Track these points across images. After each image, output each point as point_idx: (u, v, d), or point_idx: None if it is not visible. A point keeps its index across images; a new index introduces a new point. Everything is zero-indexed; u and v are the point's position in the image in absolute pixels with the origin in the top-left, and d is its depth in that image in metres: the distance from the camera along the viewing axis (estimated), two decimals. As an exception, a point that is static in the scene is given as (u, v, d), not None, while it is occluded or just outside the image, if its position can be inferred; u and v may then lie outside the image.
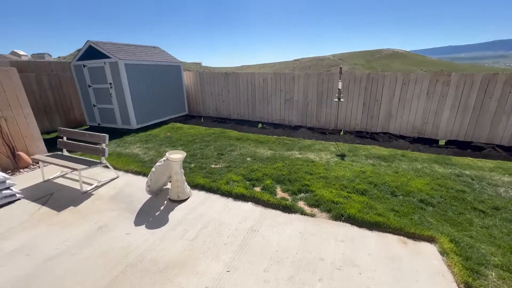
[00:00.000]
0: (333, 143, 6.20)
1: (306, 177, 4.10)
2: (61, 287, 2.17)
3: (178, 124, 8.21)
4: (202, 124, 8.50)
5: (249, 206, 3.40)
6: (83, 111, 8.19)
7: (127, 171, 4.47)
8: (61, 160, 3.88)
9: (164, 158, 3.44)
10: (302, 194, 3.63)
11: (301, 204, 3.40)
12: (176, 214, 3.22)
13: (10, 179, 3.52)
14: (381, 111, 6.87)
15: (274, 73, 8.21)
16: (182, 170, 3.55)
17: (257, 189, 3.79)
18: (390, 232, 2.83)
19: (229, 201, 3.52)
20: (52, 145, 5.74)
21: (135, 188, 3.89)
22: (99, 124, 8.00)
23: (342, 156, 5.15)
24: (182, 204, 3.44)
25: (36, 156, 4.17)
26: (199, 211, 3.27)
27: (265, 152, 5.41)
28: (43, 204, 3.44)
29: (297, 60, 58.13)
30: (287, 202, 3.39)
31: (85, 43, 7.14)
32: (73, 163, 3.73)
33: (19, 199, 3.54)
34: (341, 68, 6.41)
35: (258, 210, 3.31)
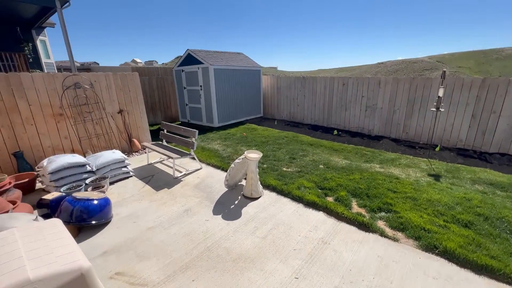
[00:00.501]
0: (425, 159, 5.28)
1: (388, 195, 3.63)
2: (155, 252, 2.60)
3: (253, 125, 8.65)
4: (275, 127, 8.70)
5: (320, 215, 3.26)
6: (178, 109, 9.66)
7: (208, 164, 5.00)
8: (161, 149, 4.68)
9: (242, 156, 3.68)
10: (383, 213, 3.23)
11: (381, 224, 3.03)
12: (249, 210, 3.39)
13: (127, 160, 4.47)
14: (499, 126, 5.43)
15: (356, 78, 7.65)
16: (257, 170, 3.71)
17: (330, 199, 3.59)
18: (509, 284, 2.19)
19: (300, 207, 3.46)
20: (153, 136, 6.97)
21: (214, 180, 4.31)
22: (188, 120, 9.27)
23: (437, 177, 4.33)
24: (255, 202, 3.59)
25: (144, 143, 5.16)
26: (269, 211, 3.35)
27: (339, 161, 5.09)
28: (147, 183, 4.23)
29: (382, 63, 52.49)
30: (364, 219, 3.08)
31: (185, 51, 8.40)
32: (170, 152, 4.43)
33: (131, 176, 4.46)
34: (444, 72, 5.41)
35: (330, 221, 3.13)
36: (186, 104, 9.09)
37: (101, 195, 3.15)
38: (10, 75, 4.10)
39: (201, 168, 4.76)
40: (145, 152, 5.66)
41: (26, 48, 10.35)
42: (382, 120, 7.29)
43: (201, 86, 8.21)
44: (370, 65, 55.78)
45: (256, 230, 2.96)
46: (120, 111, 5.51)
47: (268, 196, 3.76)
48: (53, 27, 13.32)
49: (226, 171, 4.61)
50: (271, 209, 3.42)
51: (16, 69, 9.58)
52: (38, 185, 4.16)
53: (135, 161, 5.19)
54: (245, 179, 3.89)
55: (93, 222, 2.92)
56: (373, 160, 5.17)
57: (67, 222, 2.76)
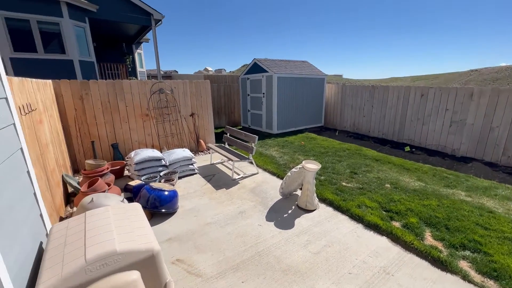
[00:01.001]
0: (536, 193, 4.13)
1: (477, 231, 2.97)
2: (211, 247, 2.78)
3: (312, 135, 8.43)
4: (337, 137, 8.25)
5: (383, 241, 2.91)
6: (241, 114, 10.22)
7: (265, 169, 5.10)
8: (223, 151, 5.01)
9: (299, 166, 3.62)
10: (467, 252, 2.66)
11: (463, 265, 2.50)
12: (302, 222, 3.29)
13: (194, 158, 4.95)
14: None
15: (439, 88, 6.62)
16: (314, 181, 3.58)
17: (397, 224, 3.17)
18: None
19: (359, 227, 3.17)
20: (217, 138, 7.53)
21: (269, 186, 4.36)
22: (249, 125, 9.69)
23: (554, 217, 3.32)
24: (309, 214, 3.47)
25: (209, 145, 5.63)
26: (324, 227, 3.18)
27: (411, 182, 4.46)
28: (208, 181, 4.59)
29: (475, 70, 43.87)
30: (441, 254, 2.60)
31: (252, 60, 8.86)
32: (231, 155, 4.71)
33: (196, 173, 4.92)
34: None
35: (395, 250, 2.76)
36: (248, 110, 9.53)
37: (171, 188, 3.58)
38: (115, 82, 5.12)
39: (257, 173, 4.89)
40: (209, 153, 6.17)
41: (127, 59, 12.72)
42: (472, 139, 6.07)
43: (263, 93, 8.50)
44: (458, 73, 47.37)
45: (308, 244, 2.84)
46: (192, 114, 6.18)
47: (324, 210, 3.58)
48: (148, 42, 15.97)
49: (281, 178, 4.61)
50: (326, 224, 3.24)
51: (119, 76, 11.90)
52: (125, 172, 5.02)
53: (200, 160, 5.71)
54: (301, 189, 3.80)
55: (163, 210, 3.33)
56: (456, 186, 4.34)
57: (143, 207, 3.23)
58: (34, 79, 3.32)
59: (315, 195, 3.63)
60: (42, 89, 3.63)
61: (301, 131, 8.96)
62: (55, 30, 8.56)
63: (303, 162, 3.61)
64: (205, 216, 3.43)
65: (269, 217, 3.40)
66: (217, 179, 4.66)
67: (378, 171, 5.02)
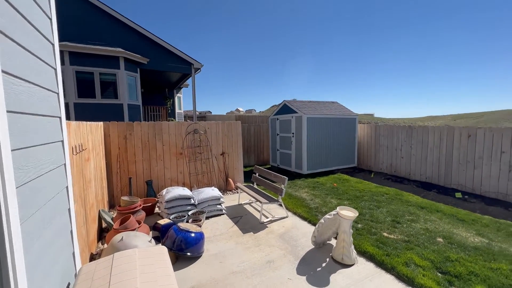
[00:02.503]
0: None
1: None
2: (235, 304, 2.52)
3: (345, 176, 7.97)
4: (372, 180, 7.68)
5: (443, 313, 2.38)
6: (270, 153, 10.25)
7: (295, 213, 4.80)
8: (252, 191, 4.91)
9: (333, 212, 3.34)
10: None
11: None
12: (338, 279, 2.89)
13: (222, 198, 4.90)
14: None
15: (490, 128, 6.01)
16: (351, 231, 3.23)
17: (458, 292, 2.61)
18: None
19: (409, 292, 2.67)
20: (246, 176, 7.48)
21: (300, 232, 4.04)
22: (278, 165, 9.59)
23: None
24: (346, 270, 3.05)
25: (238, 184, 5.59)
26: (366, 287, 2.74)
27: (470, 237, 3.79)
28: (235, 223, 4.43)
29: None
30: None
31: (282, 102, 9.17)
32: (259, 196, 4.58)
33: (224, 213, 4.81)
34: None
35: (462, 328, 2.21)
36: (277, 150, 9.54)
37: (198, 229, 3.50)
38: (156, 123, 5.58)
39: (287, 217, 4.62)
40: (237, 192, 6.10)
41: (168, 103, 14.07)
42: (541, 187, 5.18)
43: (293, 133, 8.54)
44: (508, 111, 43.40)
45: (347, 309, 2.43)
46: (223, 153, 6.34)
47: (364, 266, 3.13)
48: (187, 87, 17.69)
49: (312, 223, 4.27)
50: (368, 284, 2.79)
51: (160, 118, 13.07)
52: (156, 209, 5.10)
53: (228, 200, 5.64)
54: (336, 238, 3.44)
55: (188, 254, 3.21)
56: (531, 245, 3.57)
57: (169, 249, 3.15)
58: (88, 122, 3.75)
59: (352, 247, 3.23)
60: (94, 131, 4.07)
61: (332, 172, 8.56)
62: (112, 80, 9.98)
63: (337, 208, 3.33)
64: (231, 264, 3.21)
65: (300, 270, 3.06)
66: (245, 221, 4.48)
67: (426, 221, 4.40)
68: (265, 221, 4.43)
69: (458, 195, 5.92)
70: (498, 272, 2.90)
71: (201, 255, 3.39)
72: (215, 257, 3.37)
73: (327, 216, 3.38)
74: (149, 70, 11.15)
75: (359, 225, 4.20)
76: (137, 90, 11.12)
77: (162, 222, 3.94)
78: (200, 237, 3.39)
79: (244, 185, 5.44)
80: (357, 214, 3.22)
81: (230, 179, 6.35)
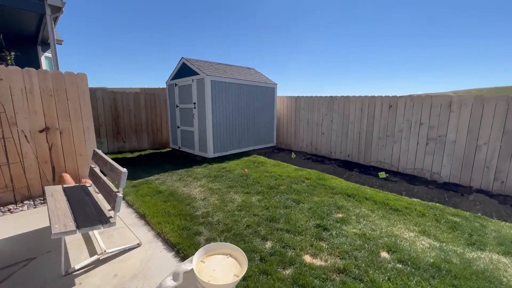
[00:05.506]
0: None
1: None
2: None
3: (262, 158, 6.37)
4: (292, 161, 6.34)
5: None
6: (169, 132, 7.70)
7: (159, 233, 2.63)
8: (59, 202, 2.45)
9: (193, 265, 1.35)
10: None
11: None
12: None
13: None
14: None
15: (410, 97, 5.33)
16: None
17: None
18: None
19: None
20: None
21: (152, 282, 1.95)
22: (179, 147, 7.21)
23: None
24: None
25: (86, 183, 3.01)
26: None
27: (417, 242, 2.58)
28: None
29: (455, 92, 49.26)
30: None
31: (179, 60, 6.65)
32: (62, 215, 2.17)
33: (-5, 256, 2.22)
34: None
35: None
36: (178, 127, 7.11)
37: None
38: None
39: (137, 246, 2.41)
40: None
41: (7, 57, 9.21)
42: (455, 160, 4.75)
43: (194, 103, 6.26)
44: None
45: None
46: (45, 129, 3.50)
47: None
48: (61, 44, 12.52)
49: (183, 255, 2.24)
50: None
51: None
52: None
53: (32, 216, 2.97)
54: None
55: None
56: (483, 241, 2.60)
57: None
58: None
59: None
60: None
61: (247, 154, 6.84)
62: None
63: (196, 255, 1.35)
64: None
65: None
66: (28, 275, 2.04)
67: (358, 218, 3.07)
68: (77, 267, 2.09)
69: (382, 175, 5.09)
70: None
71: None
72: None
73: (183, 265, 1.37)
74: None
75: (267, 245, 2.45)
76: None
77: None
78: None
79: (57, 188, 2.88)
80: (244, 272, 1.33)
81: (65, 175, 3.62)
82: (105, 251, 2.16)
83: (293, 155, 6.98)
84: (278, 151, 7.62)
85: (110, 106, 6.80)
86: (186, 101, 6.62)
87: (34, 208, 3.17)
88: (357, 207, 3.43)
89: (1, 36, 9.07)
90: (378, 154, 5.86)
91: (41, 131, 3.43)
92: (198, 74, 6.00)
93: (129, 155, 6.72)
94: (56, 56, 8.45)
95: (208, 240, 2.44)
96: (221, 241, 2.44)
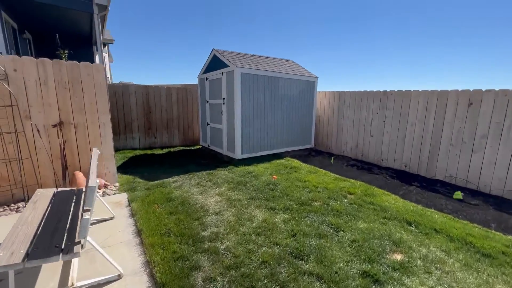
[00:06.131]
0: None
1: None
2: None
3: (295, 162, 5.54)
4: (332, 167, 5.37)
5: None
6: (200, 129, 7.39)
7: (148, 262, 2.08)
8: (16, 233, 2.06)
9: None
10: None
11: None
12: None
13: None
14: None
15: (504, 92, 3.91)
16: None
17: None
18: None
19: None
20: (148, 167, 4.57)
21: None
22: (208, 145, 6.81)
23: None
24: None
25: (107, 187, 2.71)
26: None
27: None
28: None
29: None
30: None
31: (211, 52, 6.19)
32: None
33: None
34: None
35: None
36: (208, 124, 6.71)
37: None
38: None
39: (118, 278, 1.87)
40: (104, 194, 3.21)
41: (63, 56, 10.00)
42: None
43: (223, 98, 5.73)
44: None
45: None
46: (59, 124, 3.30)
47: None
48: (112, 43, 13.41)
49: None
50: None
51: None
52: None
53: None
54: None
55: None
56: None
57: None
58: None
59: None
60: None
61: (279, 156, 6.09)
62: None
63: None
64: None
65: None
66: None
67: (427, 265, 2.10)
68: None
69: (458, 195, 3.80)
70: None
71: None
72: None
73: None
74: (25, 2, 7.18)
75: (290, 299, 1.71)
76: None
77: None
78: None
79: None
80: None
81: (77, 173, 3.39)
82: (72, 286, 1.69)
83: (332, 160, 5.97)
84: (315, 154, 6.68)
85: (142, 101, 6.73)
86: (215, 96, 6.15)
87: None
88: (423, 244, 2.43)
89: (57, 36, 9.90)
90: (448, 165, 4.53)
91: (54, 126, 3.24)
92: (228, 66, 5.44)
93: (158, 152, 6.57)
94: (102, 54, 8.82)
95: (206, 282, 1.80)
96: (223, 284, 1.78)
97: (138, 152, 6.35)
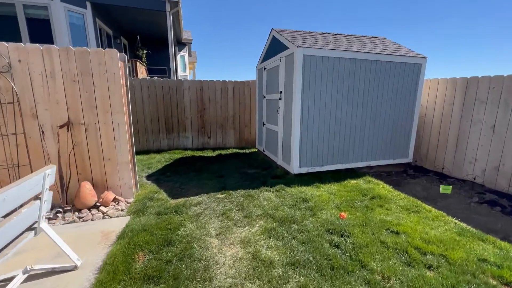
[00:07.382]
0: None
1: None
2: None
3: (381, 186, 3.65)
4: (446, 200, 3.22)
5: None
6: (256, 129, 6.30)
7: None
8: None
9: None
10: None
11: None
12: None
13: None
14: None
15: None
16: None
17: None
18: None
19: None
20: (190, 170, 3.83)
21: None
22: (263, 150, 5.64)
23: None
24: None
25: (120, 202, 2.03)
26: None
27: None
28: None
29: None
30: None
31: (269, 33, 4.91)
32: None
33: None
34: None
35: None
36: (264, 124, 5.52)
37: None
38: None
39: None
40: (105, 215, 2.55)
41: (142, 56, 10.78)
42: None
43: (280, 92, 4.38)
44: None
45: None
46: (66, 125, 2.74)
47: None
48: (191, 43, 14.10)
49: None
50: None
51: (136, 76, 10.01)
52: None
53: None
54: None
55: None
56: None
57: None
58: None
59: None
60: None
61: (355, 173, 4.27)
62: (43, 16, 7.12)
63: None
64: None
65: None
66: None
67: None
68: None
69: None
70: None
71: None
72: None
73: None
74: (111, 6, 7.94)
75: None
76: (88, 35, 8.03)
77: None
78: None
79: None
80: None
81: (83, 185, 2.77)
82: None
83: (446, 189, 3.66)
84: (414, 174, 4.47)
85: (196, 96, 6.15)
86: (273, 90, 4.87)
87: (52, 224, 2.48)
88: None
89: (138, 38, 10.73)
90: None
91: (61, 126, 2.70)
92: (287, 48, 4.04)
93: (209, 154, 5.85)
94: (173, 48, 8.80)
95: None
96: None
97: (187, 153, 5.80)
